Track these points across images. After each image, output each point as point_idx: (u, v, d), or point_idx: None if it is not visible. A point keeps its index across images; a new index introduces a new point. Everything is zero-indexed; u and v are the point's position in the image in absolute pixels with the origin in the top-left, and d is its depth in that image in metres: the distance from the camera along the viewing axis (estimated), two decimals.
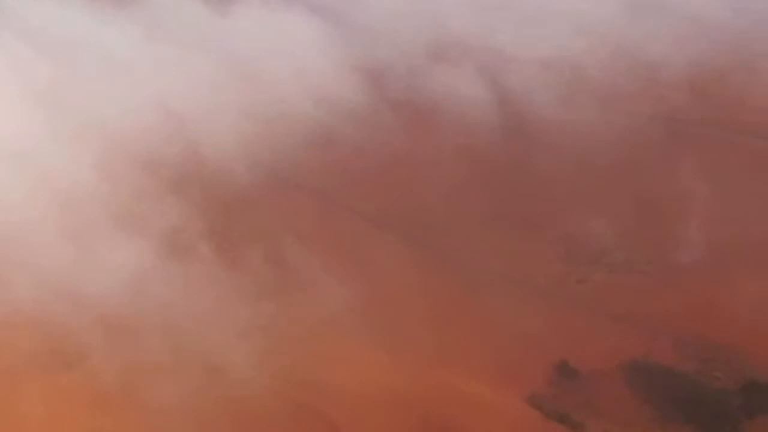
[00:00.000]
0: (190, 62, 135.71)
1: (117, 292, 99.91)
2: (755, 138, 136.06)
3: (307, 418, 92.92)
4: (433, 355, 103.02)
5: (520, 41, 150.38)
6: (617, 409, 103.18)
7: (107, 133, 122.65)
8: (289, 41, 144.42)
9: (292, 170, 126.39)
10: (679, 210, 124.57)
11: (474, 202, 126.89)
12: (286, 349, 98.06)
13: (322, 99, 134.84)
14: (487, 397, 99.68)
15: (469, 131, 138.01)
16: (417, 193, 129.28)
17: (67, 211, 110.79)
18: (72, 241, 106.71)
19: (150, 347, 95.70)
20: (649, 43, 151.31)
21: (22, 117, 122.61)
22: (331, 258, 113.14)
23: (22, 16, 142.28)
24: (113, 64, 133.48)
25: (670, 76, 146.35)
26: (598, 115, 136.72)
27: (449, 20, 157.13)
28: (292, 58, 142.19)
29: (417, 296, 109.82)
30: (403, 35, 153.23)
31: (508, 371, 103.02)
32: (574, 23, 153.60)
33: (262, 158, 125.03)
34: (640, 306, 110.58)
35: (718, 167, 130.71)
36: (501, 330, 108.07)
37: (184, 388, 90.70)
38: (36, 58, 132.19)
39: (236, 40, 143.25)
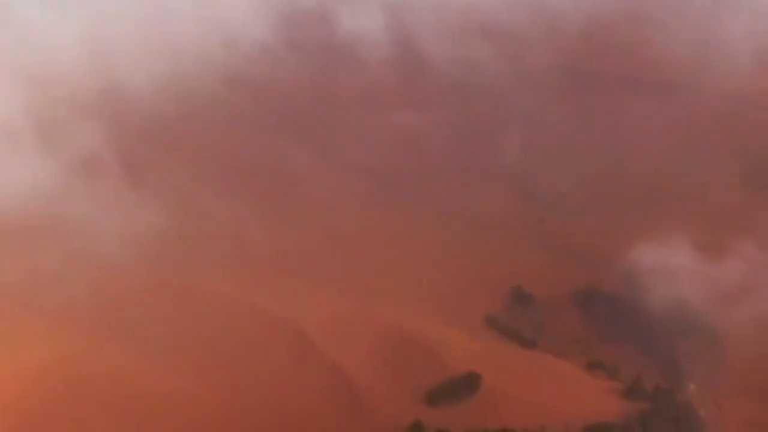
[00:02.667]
0: (114, 4, 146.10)
1: (22, 204, 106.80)
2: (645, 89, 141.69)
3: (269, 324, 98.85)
4: (398, 279, 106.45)
5: None
6: (565, 329, 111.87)
7: (34, 67, 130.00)
8: None
9: (201, 105, 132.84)
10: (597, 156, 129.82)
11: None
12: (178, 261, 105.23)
13: (232, 40, 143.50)
14: (447, 317, 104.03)
15: (371, 69, 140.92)
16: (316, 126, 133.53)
17: None
18: None
19: (49, 255, 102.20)
20: None
21: None
22: (233, 186, 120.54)
23: None
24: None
25: (566, 26, 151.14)
26: (490, 55, 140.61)
27: None
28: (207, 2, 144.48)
29: (378, 230, 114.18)
30: None
31: (467, 295, 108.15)
32: None
33: (175, 93, 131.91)
34: (591, 242, 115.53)
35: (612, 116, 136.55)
36: (462, 260, 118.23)
37: (78, 291, 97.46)
38: None
39: None
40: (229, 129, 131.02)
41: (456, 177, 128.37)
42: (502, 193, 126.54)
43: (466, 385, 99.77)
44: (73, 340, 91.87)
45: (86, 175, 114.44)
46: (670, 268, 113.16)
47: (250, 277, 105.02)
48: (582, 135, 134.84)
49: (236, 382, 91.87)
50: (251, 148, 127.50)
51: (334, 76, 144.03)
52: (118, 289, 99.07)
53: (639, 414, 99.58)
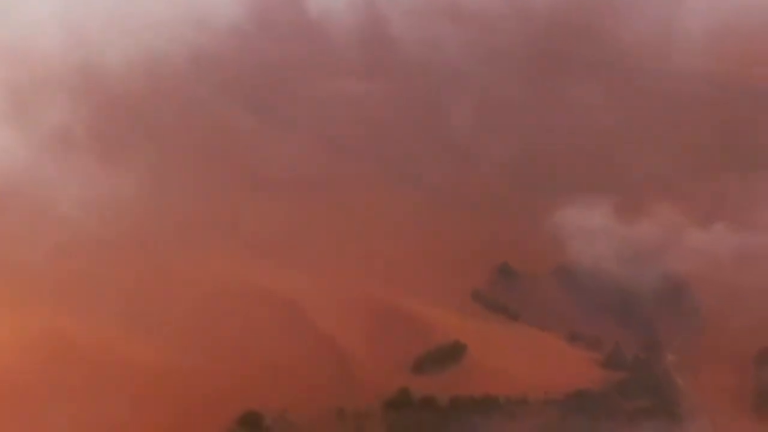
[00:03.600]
0: None
1: None
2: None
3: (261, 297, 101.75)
4: (388, 257, 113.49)
5: None
6: (548, 303, 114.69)
7: (8, 43, 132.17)
8: None
9: (172, 82, 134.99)
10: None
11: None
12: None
13: (203, 19, 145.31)
14: (436, 292, 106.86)
15: (339, 47, 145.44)
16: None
17: None
18: None
19: (15, 220, 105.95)
20: None
21: None
22: (204, 161, 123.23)
23: None
24: None
25: (534, 8, 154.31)
26: (455, 35, 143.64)
27: None
28: None
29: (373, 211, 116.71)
30: None
31: (455, 271, 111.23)
32: None
33: (146, 70, 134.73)
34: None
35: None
36: (452, 238, 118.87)
37: (42, 254, 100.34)
38: None
39: None
40: (200, 106, 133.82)
41: (407, 147, 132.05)
42: (450, 164, 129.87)
43: (451, 354, 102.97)
44: (59, 312, 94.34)
45: (58, 148, 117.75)
46: (590, 228, 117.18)
47: (235, 252, 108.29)
48: (535, 113, 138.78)
49: (228, 353, 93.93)
50: (220, 125, 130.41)
51: (303, 55, 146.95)
52: (92, 258, 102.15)
53: (618, 383, 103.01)
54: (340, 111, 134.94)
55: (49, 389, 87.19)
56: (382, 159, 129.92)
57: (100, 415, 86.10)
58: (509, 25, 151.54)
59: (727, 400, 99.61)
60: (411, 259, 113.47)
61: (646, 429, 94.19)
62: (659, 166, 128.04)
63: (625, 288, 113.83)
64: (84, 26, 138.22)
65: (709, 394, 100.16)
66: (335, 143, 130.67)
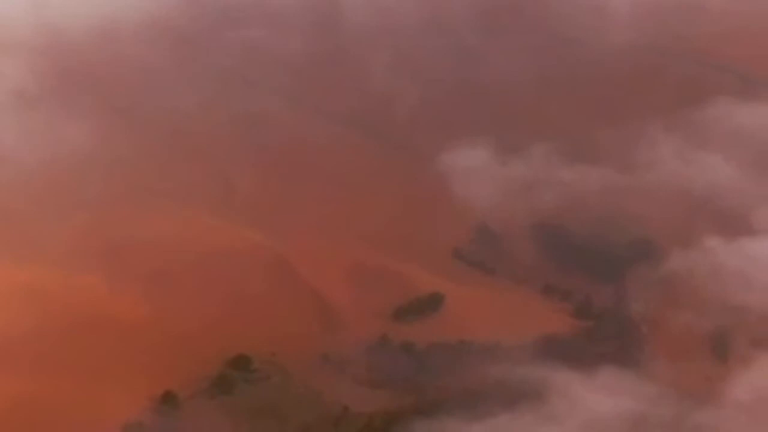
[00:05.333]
0: None
1: None
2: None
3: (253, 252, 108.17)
4: (372, 217, 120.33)
5: None
6: (524, 259, 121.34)
7: None
8: None
9: (129, 48, 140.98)
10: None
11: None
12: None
13: None
14: (418, 247, 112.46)
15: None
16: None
17: None
18: None
19: None
20: None
21: None
22: (159, 126, 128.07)
23: None
24: None
25: None
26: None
27: None
28: None
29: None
30: None
31: (437, 230, 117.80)
32: None
33: (104, 35, 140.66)
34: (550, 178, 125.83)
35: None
36: (433, 200, 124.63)
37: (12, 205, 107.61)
38: None
39: None
40: (154, 72, 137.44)
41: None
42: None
43: (430, 304, 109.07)
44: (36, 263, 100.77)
45: (16, 106, 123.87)
46: (472, 167, 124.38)
47: (227, 214, 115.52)
48: (449, 70, 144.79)
49: (220, 304, 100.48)
50: (171, 88, 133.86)
51: (255, 14, 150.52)
52: (66, 214, 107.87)
53: (586, 330, 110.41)
54: (297, 68, 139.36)
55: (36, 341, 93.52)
56: (353, 118, 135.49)
57: (86, 364, 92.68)
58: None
59: (687, 344, 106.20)
60: (394, 221, 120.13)
61: (611, 371, 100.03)
62: (554, 116, 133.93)
63: (596, 245, 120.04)
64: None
65: (669, 339, 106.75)
66: (305, 104, 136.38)
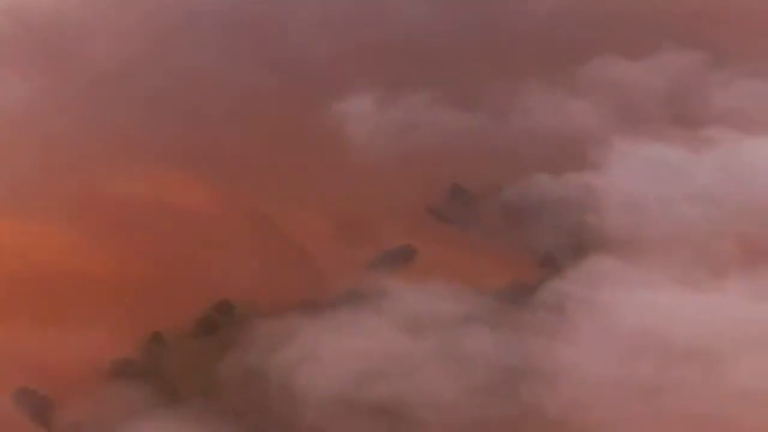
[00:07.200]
0: None
1: None
2: None
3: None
4: (350, 178, 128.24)
5: None
6: (490, 217, 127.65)
7: None
8: None
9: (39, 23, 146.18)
10: None
11: None
12: None
13: None
14: (396, 205, 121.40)
15: None
16: None
17: None
18: None
19: None
20: None
21: None
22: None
23: None
24: None
25: None
26: None
27: None
28: None
29: None
30: None
31: (412, 187, 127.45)
32: None
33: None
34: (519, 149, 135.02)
35: None
36: (409, 159, 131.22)
37: None
38: None
39: None
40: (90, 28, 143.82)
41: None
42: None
43: (403, 256, 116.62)
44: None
45: None
46: (360, 114, 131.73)
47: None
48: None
49: (206, 258, 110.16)
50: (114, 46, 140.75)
51: None
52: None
53: (548, 278, 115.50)
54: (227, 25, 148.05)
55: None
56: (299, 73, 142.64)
57: (71, 312, 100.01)
58: None
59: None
60: (371, 180, 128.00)
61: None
62: (443, 67, 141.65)
63: (558, 203, 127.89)
64: None
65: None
66: (238, 58, 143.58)
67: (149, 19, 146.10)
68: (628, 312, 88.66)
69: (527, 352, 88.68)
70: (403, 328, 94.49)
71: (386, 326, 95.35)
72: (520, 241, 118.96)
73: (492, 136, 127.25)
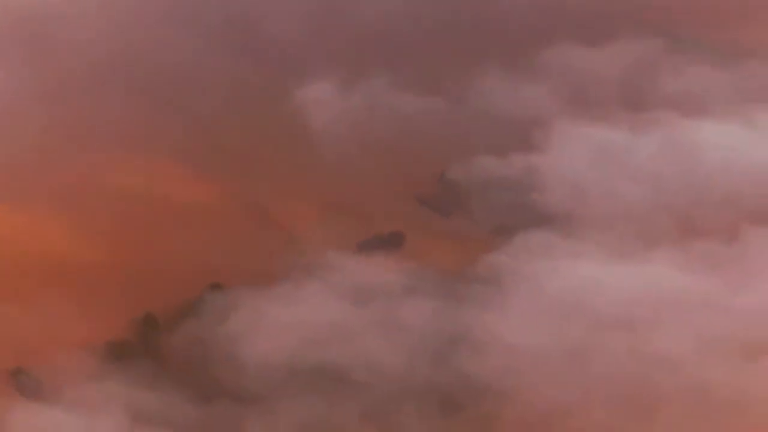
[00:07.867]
0: None
1: None
2: None
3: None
4: (341, 166, 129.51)
5: None
6: (477, 203, 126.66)
7: None
8: None
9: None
10: None
11: None
12: None
13: None
14: (379, 194, 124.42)
15: None
16: None
17: None
18: None
19: None
20: None
21: None
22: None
23: None
24: None
25: None
26: None
27: None
28: None
29: None
30: None
31: (399, 177, 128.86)
32: None
33: None
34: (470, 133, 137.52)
35: None
36: (395, 143, 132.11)
37: None
38: None
39: None
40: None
41: None
42: None
43: (390, 240, 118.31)
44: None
45: None
46: (321, 99, 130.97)
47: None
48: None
49: (197, 243, 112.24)
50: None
51: None
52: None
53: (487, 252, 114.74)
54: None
55: None
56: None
57: (65, 298, 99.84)
58: None
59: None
60: (361, 168, 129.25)
61: None
62: (401, 52, 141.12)
63: (501, 183, 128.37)
64: None
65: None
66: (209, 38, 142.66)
67: (138, 9, 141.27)
68: (560, 282, 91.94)
69: (463, 321, 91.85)
70: (346, 298, 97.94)
71: (331, 297, 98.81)
72: (463, 220, 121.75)
73: (444, 120, 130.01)
